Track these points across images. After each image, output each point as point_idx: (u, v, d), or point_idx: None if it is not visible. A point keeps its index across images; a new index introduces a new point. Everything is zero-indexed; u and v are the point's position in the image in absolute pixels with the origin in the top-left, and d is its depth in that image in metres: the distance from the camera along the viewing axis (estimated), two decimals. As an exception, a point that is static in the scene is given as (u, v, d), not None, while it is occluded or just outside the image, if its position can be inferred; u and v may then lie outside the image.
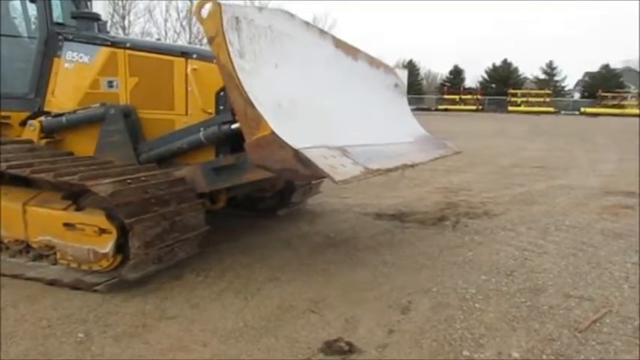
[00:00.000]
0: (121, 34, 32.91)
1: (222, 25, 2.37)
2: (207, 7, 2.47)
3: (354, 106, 3.76)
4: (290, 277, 3.80)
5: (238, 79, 2.35)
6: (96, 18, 4.80)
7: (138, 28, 40.49)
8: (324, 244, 4.68)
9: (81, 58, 4.46)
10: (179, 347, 2.74)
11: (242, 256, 4.22)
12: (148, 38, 39.21)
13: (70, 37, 4.51)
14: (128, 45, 4.32)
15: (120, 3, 39.63)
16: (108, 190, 3.25)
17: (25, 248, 3.85)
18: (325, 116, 3.05)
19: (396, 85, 5.28)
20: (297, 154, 2.20)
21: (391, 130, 4.25)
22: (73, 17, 4.75)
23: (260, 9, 2.88)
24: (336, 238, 4.91)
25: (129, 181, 3.46)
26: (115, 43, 4.36)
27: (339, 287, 3.62)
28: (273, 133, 2.23)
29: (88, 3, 5.37)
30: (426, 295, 3.49)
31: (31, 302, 3.25)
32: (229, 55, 2.38)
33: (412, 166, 3.65)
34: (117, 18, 39.55)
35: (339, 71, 3.72)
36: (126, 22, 40.22)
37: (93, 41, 4.43)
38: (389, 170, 3.00)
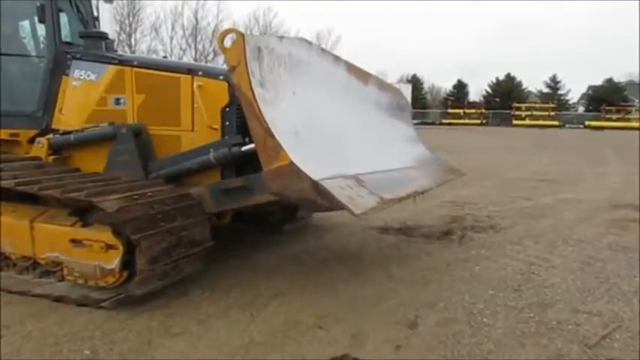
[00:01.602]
0: (127, 52, 33.40)
1: (244, 55, 2.40)
2: (231, 36, 2.52)
3: (365, 132, 3.79)
4: (296, 292, 3.79)
5: (259, 109, 2.38)
6: (103, 37, 4.87)
7: (144, 46, 41.07)
8: (330, 259, 4.67)
9: (88, 76, 4.52)
10: (185, 364, 2.73)
11: (248, 272, 4.21)
12: (154, 56, 39.77)
13: (78, 55, 4.57)
14: (135, 63, 4.38)
15: (126, 22, 40.24)
16: (114, 206, 3.26)
17: (32, 265, 3.86)
18: (339, 143, 3.08)
19: (402, 108, 5.31)
20: (315, 186, 2.21)
21: (398, 155, 4.26)
22: (81, 36, 4.82)
23: (281, 38, 2.92)
24: (343, 252, 4.90)
25: (135, 196, 3.47)
26: (122, 61, 4.42)
27: (346, 302, 3.60)
28: (292, 163, 2.25)
29: (96, 22, 5.45)
30: (433, 311, 3.47)
31: (38, 319, 3.24)
32: (251, 84, 2.41)
33: (422, 192, 3.66)
34: (123, 36, 40.14)
35: (351, 96, 3.77)
36: (132, 40, 40.79)
37: (100, 59, 4.49)
38: (402, 199, 3.02)
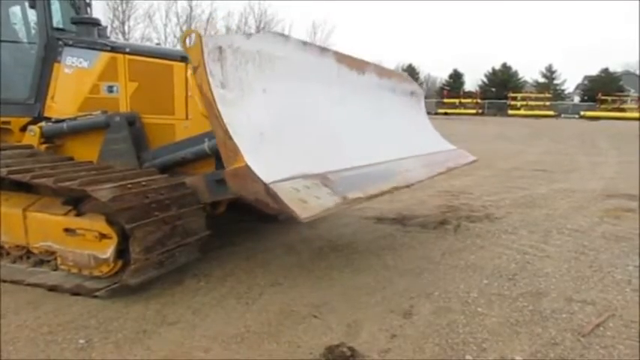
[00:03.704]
0: (121, 40, 33.13)
1: (203, 57, 2.40)
2: (190, 37, 2.49)
3: (358, 123, 3.73)
4: (292, 281, 3.79)
5: (218, 111, 2.37)
6: (96, 23, 4.82)
7: (138, 34, 40.71)
8: (325, 249, 4.66)
9: (80, 63, 4.46)
10: (181, 353, 2.72)
11: (243, 261, 4.20)
12: (147, 43, 39.44)
13: (70, 42, 4.51)
14: (128, 50, 4.32)
15: (120, 8, 39.81)
16: (108, 195, 3.23)
17: (26, 254, 3.84)
18: (319, 138, 3.02)
19: (412, 93, 5.24)
20: (267, 189, 2.22)
21: (400, 144, 4.19)
22: (73, 22, 4.76)
23: (249, 35, 2.86)
24: (338, 242, 4.90)
25: (129, 185, 3.44)
26: (114, 48, 4.36)
27: (341, 292, 3.60)
28: (246, 166, 2.26)
29: (88, 8, 5.37)
30: (428, 300, 3.48)
31: (33, 308, 3.23)
32: (210, 86, 2.40)
33: (406, 187, 3.60)
34: (117, 23, 39.75)
35: (342, 88, 3.70)
36: (126, 28, 40.41)
37: (93, 46, 4.42)
38: (372, 196, 2.94)
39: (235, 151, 2.30)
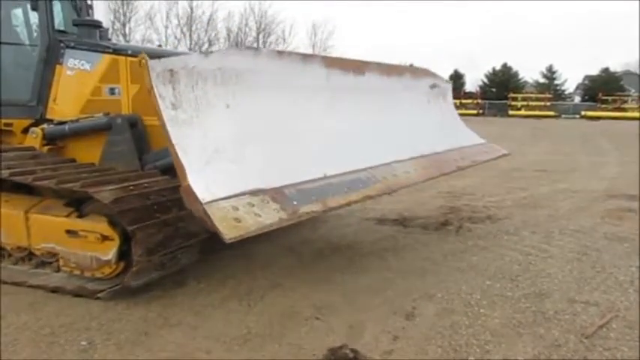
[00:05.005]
0: (122, 41, 33.16)
1: (151, 81, 2.46)
2: (141, 62, 2.53)
3: (351, 128, 3.64)
4: (293, 283, 3.78)
5: (167, 131, 2.45)
6: (97, 25, 4.82)
7: (139, 35, 40.75)
8: (327, 250, 4.66)
9: (82, 65, 4.47)
10: (183, 355, 2.72)
11: (245, 263, 4.20)
12: (149, 45, 39.50)
13: (72, 44, 4.52)
14: (129, 52, 4.33)
15: (120, 10, 39.90)
16: (110, 197, 3.24)
17: (28, 255, 3.84)
18: (290, 149, 3.00)
19: (434, 87, 5.08)
20: (203, 209, 2.30)
21: (403, 145, 4.06)
22: (75, 25, 4.77)
23: (208, 54, 2.88)
24: (339, 243, 4.89)
25: (131, 187, 3.45)
26: (116, 50, 4.37)
27: (343, 293, 3.60)
28: (188, 185, 2.35)
29: (90, 10, 5.38)
30: (430, 301, 3.47)
31: (34, 310, 3.23)
32: (159, 107, 2.47)
33: (386, 193, 3.54)
34: (117, 25, 39.83)
35: (334, 93, 3.64)
36: (127, 29, 40.47)
37: (94, 48, 4.44)
38: (334, 208, 2.90)
39: (182, 170, 2.39)
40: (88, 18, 5.09)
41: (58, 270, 3.68)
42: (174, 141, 2.43)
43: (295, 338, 2.92)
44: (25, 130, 4.52)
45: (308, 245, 4.82)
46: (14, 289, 3.56)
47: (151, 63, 2.47)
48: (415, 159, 4.13)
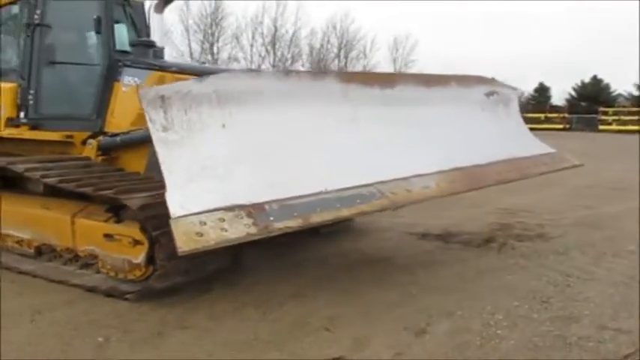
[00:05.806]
0: (210, 60, 35.22)
1: (144, 106, 2.70)
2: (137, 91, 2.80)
3: (363, 142, 3.59)
4: (315, 293, 3.82)
5: (156, 151, 2.67)
6: (151, 45, 5.18)
7: (225, 54, 42.86)
8: (359, 263, 4.66)
9: (135, 81, 4.82)
10: (186, 355, 2.85)
11: (274, 272, 4.30)
12: (234, 63, 41.46)
13: (128, 62, 4.90)
14: (174, 69, 4.64)
15: (209, 31, 42.24)
16: (138, 204, 3.47)
17: (74, 257, 4.18)
18: (286, 166, 3.03)
19: (490, 94, 4.93)
20: (169, 222, 2.50)
21: (429, 158, 3.95)
22: (132, 45, 5.17)
23: (203, 79, 3.01)
24: (374, 256, 4.87)
25: (160, 195, 3.65)
26: (162, 68, 4.69)
27: (361, 306, 3.58)
28: (165, 199, 2.56)
29: (148, 31, 5.79)
30: (447, 319, 3.37)
31: (68, 306, 3.52)
32: (150, 130, 2.70)
33: (387, 209, 3.49)
34: (206, 45, 42.19)
35: (351, 108, 3.63)
36: (215, 49, 42.70)
37: (145, 66, 4.79)
38: (317, 223, 2.90)
39: (165, 187, 2.61)
40: (143, 39, 5.48)
41: (98, 271, 3.98)
42: (160, 160, 2.65)
43: (298, 347, 2.96)
44: (84, 142, 4.94)
45: (342, 257, 4.84)
46: (58, 286, 3.89)
47: (142, 92, 2.75)
48: (444, 172, 4.00)
